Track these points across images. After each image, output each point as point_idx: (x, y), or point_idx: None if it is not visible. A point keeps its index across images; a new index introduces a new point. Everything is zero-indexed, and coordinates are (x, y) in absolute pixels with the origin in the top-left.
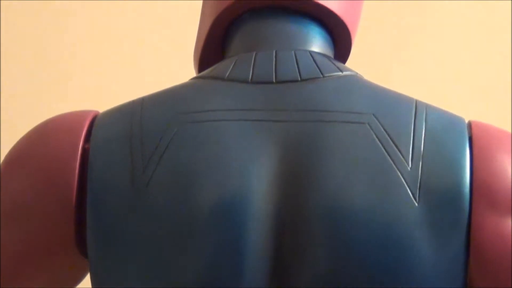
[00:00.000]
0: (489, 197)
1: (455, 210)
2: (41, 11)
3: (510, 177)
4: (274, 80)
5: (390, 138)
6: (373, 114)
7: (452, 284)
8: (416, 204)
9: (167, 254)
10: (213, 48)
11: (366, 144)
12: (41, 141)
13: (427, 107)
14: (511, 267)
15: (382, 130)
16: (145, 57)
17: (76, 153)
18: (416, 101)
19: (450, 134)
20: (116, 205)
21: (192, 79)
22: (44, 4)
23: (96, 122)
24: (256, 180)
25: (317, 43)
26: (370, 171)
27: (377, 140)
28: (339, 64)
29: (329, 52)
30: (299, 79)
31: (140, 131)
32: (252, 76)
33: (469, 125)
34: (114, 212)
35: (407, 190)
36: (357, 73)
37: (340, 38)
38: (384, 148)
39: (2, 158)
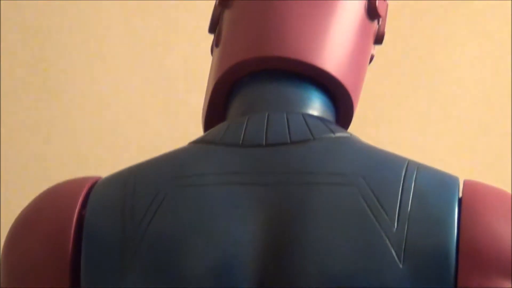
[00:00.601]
0: (475, 259)
1: (440, 271)
2: (41, 11)
3: (499, 239)
4: (264, 143)
5: (377, 200)
6: (362, 176)
7: None
8: (401, 266)
9: None
10: (216, 110)
11: (352, 206)
12: (43, 208)
13: (419, 167)
14: None
15: (370, 192)
16: (147, 58)
17: (71, 220)
18: (409, 161)
19: (439, 194)
20: (107, 270)
21: (189, 143)
22: (44, 4)
23: (94, 189)
24: (240, 247)
25: (314, 106)
26: (355, 234)
27: (363, 202)
28: (333, 126)
29: (328, 115)
30: (289, 141)
31: (132, 199)
32: (243, 139)
33: (462, 184)
34: (105, 276)
35: (391, 252)
36: (351, 135)
37: (341, 102)
38: (371, 210)
39: (2, 157)
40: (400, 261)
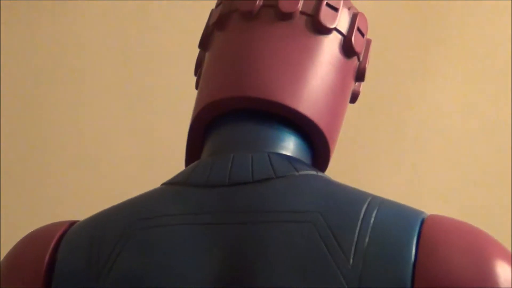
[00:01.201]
0: None
1: None
2: (41, 11)
3: (454, 276)
4: (227, 183)
5: (334, 237)
6: (320, 213)
7: None
8: None
9: None
10: (195, 150)
11: (307, 243)
12: (20, 254)
13: (382, 203)
14: None
15: (327, 229)
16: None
17: (43, 264)
18: (372, 198)
19: (398, 230)
20: None
21: (161, 185)
22: (44, 4)
23: (67, 233)
24: (197, 286)
25: (285, 145)
26: (309, 272)
27: (319, 239)
28: (299, 165)
29: (301, 156)
30: (251, 180)
31: (99, 241)
32: (207, 179)
33: (425, 220)
34: None
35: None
36: (317, 173)
37: (317, 143)
38: (326, 247)
39: (2, 157)
40: None
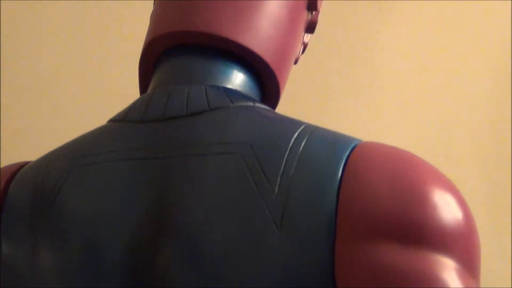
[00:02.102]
0: (351, 222)
1: (318, 237)
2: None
3: (376, 200)
4: (162, 117)
5: (260, 167)
6: (250, 144)
7: None
8: (279, 233)
9: None
10: (146, 86)
11: (234, 175)
12: None
13: (314, 131)
14: None
15: (254, 159)
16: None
17: None
18: (305, 127)
19: (325, 157)
20: (20, 233)
21: (107, 122)
22: (43, 5)
23: (19, 172)
24: (125, 221)
25: (229, 80)
26: (233, 202)
27: (247, 170)
28: (236, 97)
29: (247, 91)
30: (185, 113)
31: (44, 176)
32: (144, 115)
33: (355, 147)
34: (18, 237)
35: (270, 219)
36: (254, 104)
37: (266, 80)
38: (252, 178)
39: (2, 157)
40: (278, 228)
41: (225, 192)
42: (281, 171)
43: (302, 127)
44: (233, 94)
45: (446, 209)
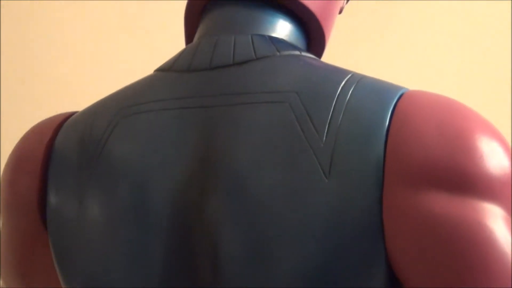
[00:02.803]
0: (400, 170)
1: (366, 185)
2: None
3: (426, 147)
4: (209, 66)
5: (308, 115)
6: (297, 93)
7: (368, 264)
8: (327, 181)
9: (100, 241)
10: (192, 38)
11: (281, 124)
12: (22, 143)
13: (361, 79)
14: (428, 247)
15: (302, 108)
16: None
17: (41, 152)
18: (351, 75)
19: (372, 105)
20: (69, 181)
21: (153, 71)
22: (43, 4)
23: (65, 123)
24: (173, 169)
25: (275, 29)
26: (281, 150)
27: (294, 119)
28: (283, 45)
29: (293, 40)
30: (232, 62)
31: (90, 129)
32: (191, 64)
33: (403, 94)
34: (67, 184)
35: (317, 167)
36: (300, 53)
37: (311, 29)
38: (300, 126)
39: (2, 156)
40: (326, 176)
41: (273, 141)
42: (328, 119)
43: (349, 75)
44: (279, 43)
45: (493, 157)
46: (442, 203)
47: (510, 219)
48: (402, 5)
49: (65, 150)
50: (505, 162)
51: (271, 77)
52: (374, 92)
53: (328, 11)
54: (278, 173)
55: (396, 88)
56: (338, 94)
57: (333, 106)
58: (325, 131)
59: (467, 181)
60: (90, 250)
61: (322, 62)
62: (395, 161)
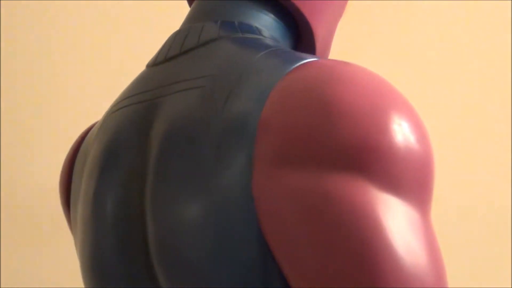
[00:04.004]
0: (265, 140)
1: (242, 161)
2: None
3: (290, 115)
4: (164, 58)
5: (213, 95)
6: (215, 75)
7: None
8: (214, 159)
9: (84, 232)
10: None
11: (193, 108)
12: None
13: (277, 50)
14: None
15: (212, 89)
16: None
17: (69, 161)
18: (276, 48)
19: (267, 73)
20: (77, 175)
21: None
22: (42, 4)
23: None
24: (121, 170)
25: (253, 19)
26: (189, 135)
27: (203, 102)
28: (239, 29)
29: (272, 32)
30: (179, 52)
31: (93, 130)
32: (157, 57)
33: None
34: (76, 179)
35: (212, 147)
36: (263, 36)
37: (300, 26)
38: (205, 108)
39: (2, 156)
40: (216, 157)
41: (184, 127)
42: (227, 93)
43: (272, 48)
44: (240, 26)
45: (356, 122)
46: (306, 177)
47: (382, 189)
48: (402, 5)
49: (81, 153)
50: (371, 127)
51: (205, 62)
52: (281, 61)
53: (319, 7)
54: (185, 161)
55: (306, 56)
56: (247, 68)
57: (239, 78)
58: (223, 107)
59: (327, 151)
60: (81, 248)
61: (273, 44)
62: (263, 131)
